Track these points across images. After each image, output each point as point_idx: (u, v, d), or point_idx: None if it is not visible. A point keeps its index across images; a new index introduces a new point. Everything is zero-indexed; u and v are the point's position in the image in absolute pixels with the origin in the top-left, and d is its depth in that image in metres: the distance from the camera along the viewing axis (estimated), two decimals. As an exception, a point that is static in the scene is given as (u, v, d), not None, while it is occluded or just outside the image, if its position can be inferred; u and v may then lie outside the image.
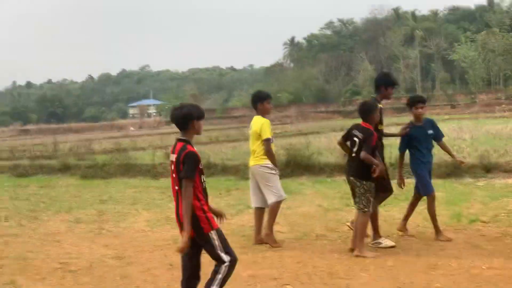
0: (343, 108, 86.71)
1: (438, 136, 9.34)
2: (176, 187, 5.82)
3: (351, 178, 8.50)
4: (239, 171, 18.29)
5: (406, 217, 9.38)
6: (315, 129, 41.59)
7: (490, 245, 8.37)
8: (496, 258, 7.67)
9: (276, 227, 10.36)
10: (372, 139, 8.15)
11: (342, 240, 9.09)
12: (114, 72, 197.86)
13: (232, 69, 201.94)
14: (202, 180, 5.91)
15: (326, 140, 27.87)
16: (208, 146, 28.34)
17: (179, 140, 5.93)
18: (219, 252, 5.82)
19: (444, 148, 9.49)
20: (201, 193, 5.86)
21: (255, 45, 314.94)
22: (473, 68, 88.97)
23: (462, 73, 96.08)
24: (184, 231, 5.64)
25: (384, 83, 9.09)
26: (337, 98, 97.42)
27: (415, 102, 9.25)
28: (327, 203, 12.54)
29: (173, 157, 5.85)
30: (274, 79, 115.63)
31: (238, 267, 6.04)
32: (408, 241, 8.88)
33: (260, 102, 9.47)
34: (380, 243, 8.69)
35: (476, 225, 9.57)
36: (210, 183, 16.84)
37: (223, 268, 5.81)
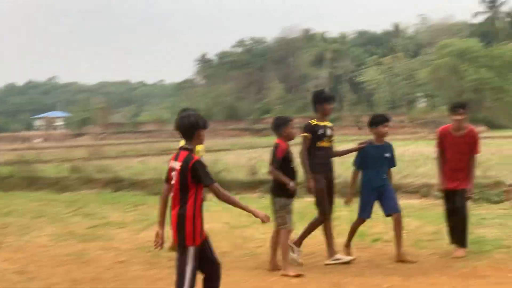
0: (253, 125, 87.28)
1: (392, 162, 9.25)
2: (175, 193, 6.06)
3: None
4: (147, 186, 18.18)
5: (349, 239, 9.12)
6: (224, 146, 41.68)
7: (391, 264, 8.59)
8: (397, 276, 7.89)
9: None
10: (276, 151, 8.15)
11: (249, 257, 9.14)
12: (20, 82, 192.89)
13: (143, 83, 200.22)
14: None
15: (235, 157, 27.97)
16: (116, 161, 27.97)
17: (183, 149, 6.09)
18: (186, 270, 5.94)
19: (389, 175, 9.30)
20: (200, 205, 6.03)
21: (166, 60, 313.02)
22: (379, 91, 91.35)
23: (368, 95, 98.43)
24: (252, 211, 6.10)
25: (319, 101, 9.02)
26: (247, 116, 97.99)
27: (382, 121, 8.98)
28: (233, 220, 12.57)
29: (177, 165, 5.97)
30: (184, 95, 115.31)
31: (141, 282, 5.98)
32: (314, 259, 9.01)
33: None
34: (339, 259, 8.67)
35: (378, 245, 9.80)
36: (117, 198, 16.82)
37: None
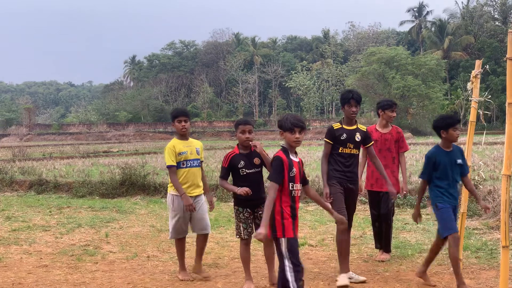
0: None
1: (465, 169, 7.66)
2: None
3: None
4: (72, 189, 17.91)
5: (427, 262, 7.82)
6: (152, 149, 41.36)
7: (316, 268, 8.66)
8: (322, 281, 7.95)
9: (107, 247, 10.21)
10: (223, 161, 7.78)
11: (174, 262, 9.06)
12: None
13: (70, 84, 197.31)
14: (291, 188, 6.02)
15: (162, 160, 27.78)
16: (42, 162, 27.42)
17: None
18: (284, 259, 5.94)
19: (467, 185, 7.74)
20: (287, 198, 6.02)
21: (95, 62, 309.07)
22: (308, 96, 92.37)
23: (297, 100, 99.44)
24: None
25: (341, 102, 8.29)
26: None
27: (452, 124, 7.44)
28: (160, 223, 12.49)
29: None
30: (113, 97, 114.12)
31: (64, 287, 5.84)
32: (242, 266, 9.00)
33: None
34: (351, 277, 7.81)
35: (304, 249, 9.86)
36: (41, 200, 16.47)
37: (288, 274, 5.90)
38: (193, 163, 8.17)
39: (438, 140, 6.38)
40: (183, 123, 8.17)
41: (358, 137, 8.07)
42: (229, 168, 7.64)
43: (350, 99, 8.07)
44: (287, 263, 5.88)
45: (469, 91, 8.03)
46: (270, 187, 5.90)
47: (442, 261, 8.72)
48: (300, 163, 6.21)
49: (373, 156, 8.33)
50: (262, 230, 5.71)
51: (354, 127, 8.14)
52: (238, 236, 7.76)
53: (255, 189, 7.53)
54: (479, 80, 7.91)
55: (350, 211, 8.15)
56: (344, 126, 8.13)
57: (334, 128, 8.16)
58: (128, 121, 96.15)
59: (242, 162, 7.55)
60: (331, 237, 10.82)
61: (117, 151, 40.75)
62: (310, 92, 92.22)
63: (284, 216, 5.93)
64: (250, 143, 7.57)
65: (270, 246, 7.46)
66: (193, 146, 8.25)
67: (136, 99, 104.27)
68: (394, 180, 9.04)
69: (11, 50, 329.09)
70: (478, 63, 7.93)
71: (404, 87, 68.99)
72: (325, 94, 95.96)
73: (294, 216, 6.02)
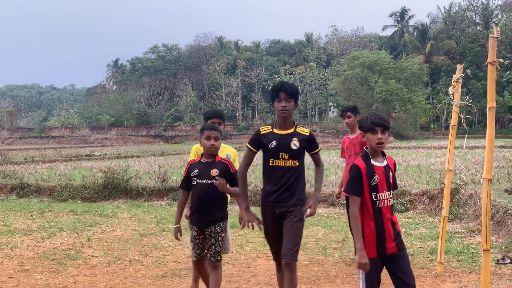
0: (164, 132, 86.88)
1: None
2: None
3: None
4: (54, 193, 17.83)
5: None
6: (135, 153, 41.25)
7: (299, 271, 8.66)
8: (304, 284, 7.96)
9: (88, 251, 10.17)
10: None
11: (156, 266, 9.04)
12: None
13: (53, 88, 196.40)
14: (374, 198, 5.21)
15: (145, 164, 27.73)
16: (23, 166, 27.27)
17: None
18: (359, 280, 5.32)
19: None
20: (370, 211, 5.22)
21: (77, 65, 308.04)
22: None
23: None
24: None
25: (271, 97, 6.45)
26: (158, 123, 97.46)
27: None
28: (143, 227, 12.46)
29: None
30: (95, 100, 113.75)
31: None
32: (223, 267, 8.98)
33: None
34: None
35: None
36: (22, 204, 16.38)
37: None
38: None
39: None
40: (223, 125, 7.41)
41: (295, 143, 6.05)
42: (188, 177, 6.68)
43: (279, 91, 6.06)
44: (361, 284, 5.27)
45: (451, 95, 8.08)
46: (351, 202, 5.23)
47: (424, 264, 8.77)
48: (390, 167, 5.36)
49: (316, 164, 6.49)
50: (360, 254, 5.09)
51: (290, 130, 6.11)
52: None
53: (203, 204, 6.56)
54: (460, 85, 7.96)
55: (286, 236, 6.12)
56: (275, 130, 6.15)
57: (261, 132, 6.21)
58: (110, 125, 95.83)
59: (196, 170, 6.61)
60: (314, 241, 10.86)
61: (100, 155, 40.61)
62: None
63: (364, 234, 5.18)
64: (214, 182, 6.43)
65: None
66: (224, 152, 7.26)
67: (119, 102, 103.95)
68: None
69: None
70: (459, 67, 7.98)
71: (386, 91, 69.24)
72: (308, 98, 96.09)
73: (380, 232, 5.17)
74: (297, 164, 6.08)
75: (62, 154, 40.69)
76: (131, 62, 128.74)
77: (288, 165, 6.05)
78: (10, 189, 18.99)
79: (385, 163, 5.32)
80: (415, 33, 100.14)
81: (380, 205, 5.19)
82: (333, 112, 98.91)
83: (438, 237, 9.14)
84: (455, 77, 7.95)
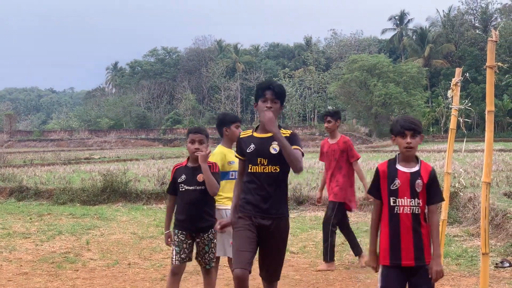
0: (163, 136, 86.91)
1: None
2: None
3: None
4: (53, 196, 17.82)
5: None
6: (134, 156, 41.26)
7: (298, 275, 8.66)
8: (302, 287, 7.96)
9: (87, 254, 10.16)
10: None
11: (155, 269, 9.04)
12: None
13: (52, 91, 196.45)
14: (392, 203, 5.02)
15: (144, 167, 27.73)
16: (22, 169, 27.26)
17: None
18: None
19: None
20: (386, 216, 5.07)
21: (77, 68, 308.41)
22: (290, 103, 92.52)
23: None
24: None
25: (256, 94, 5.78)
26: (158, 126, 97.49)
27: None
28: (141, 230, 12.46)
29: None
30: (94, 103, 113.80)
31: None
32: (222, 270, 8.98)
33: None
34: None
35: (286, 256, 9.85)
36: (21, 207, 16.37)
37: None
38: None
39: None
40: (240, 129, 7.23)
41: (275, 147, 5.42)
42: (173, 182, 6.57)
43: (266, 89, 5.52)
44: None
45: (450, 99, 8.08)
46: (373, 202, 5.18)
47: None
48: (421, 174, 5.04)
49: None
50: (369, 257, 5.19)
51: (270, 134, 5.44)
52: (171, 261, 6.63)
53: (193, 210, 6.42)
54: (459, 88, 7.96)
55: (267, 259, 5.69)
56: (255, 134, 5.61)
57: (241, 136, 5.75)
58: (110, 128, 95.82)
59: (183, 176, 6.47)
60: (313, 244, 10.85)
61: (99, 158, 40.62)
62: (292, 99, 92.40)
63: (380, 239, 5.08)
64: (197, 152, 6.39)
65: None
66: (231, 157, 7.12)
67: (118, 105, 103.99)
68: (336, 190, 9.05)
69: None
70: (458, 71, 7.98)
71: (385, 94, 69.32)
72: (307, 101, 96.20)
73: (394, 239, 4.98)
74: (278, 170, 5.43)
75: (61, 157, 40.71)
76: (130, 65, 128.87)
77: (267, 171, 5.42)
78: (9, 192, 18.98)
79: (415, 169, 5.06)
80: (414, 37, 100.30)
81: (398, 211, 4.97)
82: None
83: (437, 240, 9.13)
84: (454, 80, 7.95)
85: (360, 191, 13.18)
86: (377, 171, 5.13)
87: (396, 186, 4.99)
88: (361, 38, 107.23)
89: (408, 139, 5.01)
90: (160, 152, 47.74)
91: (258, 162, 5.43)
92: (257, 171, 5.44)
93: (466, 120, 8.62)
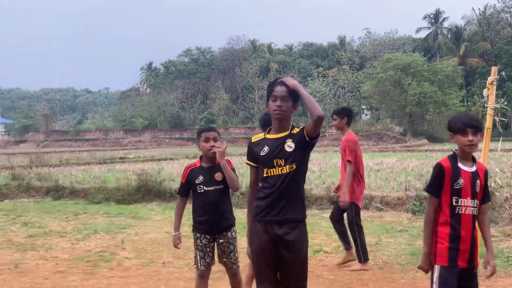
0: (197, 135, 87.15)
1: None
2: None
3: None
4: (88, 195, 18.00)
5: None
6: (168, 155, 41.46)
7: (331, 274, 8.64)
8: (335, 287, 7.94)
9: (122, 253, 10.24)
10: (182, 174, 6.78)
11: (189, 268, 9.08)
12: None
13: (87, 91, 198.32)
14: (455, 203, 4.87)
15: (179, 167, 27.85)
16: (58, 169, 27.56)
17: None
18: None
19: None
20: (447, 216, 4.89)
21: (112, 68, 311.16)
22: (324, 103, 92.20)
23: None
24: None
25: (267, 94, 5.31)
26: (192, 125, 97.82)
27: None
28: (176, 230, 12.50)
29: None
30: (129, 103, 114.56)
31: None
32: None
33: None
34: None
35: (319, 256, 9.84)
36: (58, 206, 16.55)
37: None
38: None
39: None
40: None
41: (290, 145, 5.02)
42: (187, 184, 6.48)
43: (274, 86, 5.10)
44: None
45: (486, 98, 8.00)
46: (427, 201, 5.03)
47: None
48: (479, 174, 4.93)
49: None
50: (422, 259, 4.99)
51: (284, 133, 5.08)
52: (195, 266, 6.61)
53: (215, 211, 6.36)
54: (495, 87, 7.89)
55: (286, 277, 5.06)
56: (267, 136, 5.18)
57: (252, 141, 5.28)
58: (144, 128, 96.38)
59: (200, 177, 6.36)
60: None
61: (133, 158, 40.89)
62: (326, 99, 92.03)
63: (438, 239, 4.89)
64: (213, 149, 6.26)
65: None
66: None
67: (153, 105, 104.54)
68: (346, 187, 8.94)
69: (28, 57, 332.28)
70: (494, 69, 7.91)
71: (420, 93, 68.69)
72: (341, 101, 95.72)
73: (455, 241, 4.83)
74: (295, 168, 4.98)
75: (96, 157, 41.04)
76: (165, 65, 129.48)
77: (285, 172, 4.97)
78: (45, 191, 19.22)
79: (474, 168, 4.93)
80: (449, 35, 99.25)
81: (459, 211, 4.84)
82: (366, 115, 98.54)
83: (472, 241, 9.05)
84: (489, 79, 7.88)
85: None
86: (441, 168, 4.89)
87: (460, 185, 4.83)
88: (395, 37, 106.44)
89: (470, 137, 4.84)
90: (194, 152, 47.84)
91: (275, 164, 4.99)
92: (274, 173, 4.99)
93: (502, 119, 8.54)
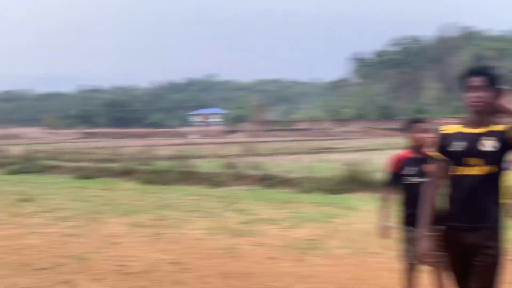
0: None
1: None
2: None
3: None
4: (298, 184, 18.31)
5: None
6: (376, 146, 41.22)
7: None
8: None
9: (331, 242, 10.33)
10: (392, 164, 6.74)
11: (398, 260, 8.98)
12: (178, 80, 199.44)
13: (296, 82, 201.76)
14: None
15: (387, 157, 27.59)
16: (268, 158, 28.35)
17: None
18: None
19: None
20: None
21: (321, 59, 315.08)
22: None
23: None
24: None
25: (459, 85, 4.64)
26: (401, 116, 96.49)
27: None
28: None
29: None
30: (338, 93, 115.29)
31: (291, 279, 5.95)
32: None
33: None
34: None
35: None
36: (268, 194, 17.05)
37: None
38: None
39: None
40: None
41: (485, 143, 4.23)
42: (396, 175, 6.41)
43: (469, 76, 4.34)
44: None
45: None
46: None
47: None
48: None
49: None
50: None
51: (482, 129, 4.29)
52: (403, 259, 6.57)
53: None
54: None
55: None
56: (463, 129, 4.41)
57: (443, 132, 4.55)
58: (352, 118, 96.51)
59: (413, 169, 6.23)
60: None
61: (342, 148, 41.07)
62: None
63: None
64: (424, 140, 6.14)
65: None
66: None
67: (362, 95, 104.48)
68: None
69: (240, 51, 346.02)
70: None
71: None
72: None
73: None
74: (487, 172, 4.24)
75: (305, 147, 41.67)
76: (376, 55, 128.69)
77: (476, 173, 4.25)
78: (256, 179, 19.80)
79: None
80: None
81: None
82: None
83: None
84: None
85: None
86: None
87: None
88: None
89: None
90: (403, 142, 46.99)
91: (463, 163, 4.28)
92: (463, 173, 4.29)
93: None
